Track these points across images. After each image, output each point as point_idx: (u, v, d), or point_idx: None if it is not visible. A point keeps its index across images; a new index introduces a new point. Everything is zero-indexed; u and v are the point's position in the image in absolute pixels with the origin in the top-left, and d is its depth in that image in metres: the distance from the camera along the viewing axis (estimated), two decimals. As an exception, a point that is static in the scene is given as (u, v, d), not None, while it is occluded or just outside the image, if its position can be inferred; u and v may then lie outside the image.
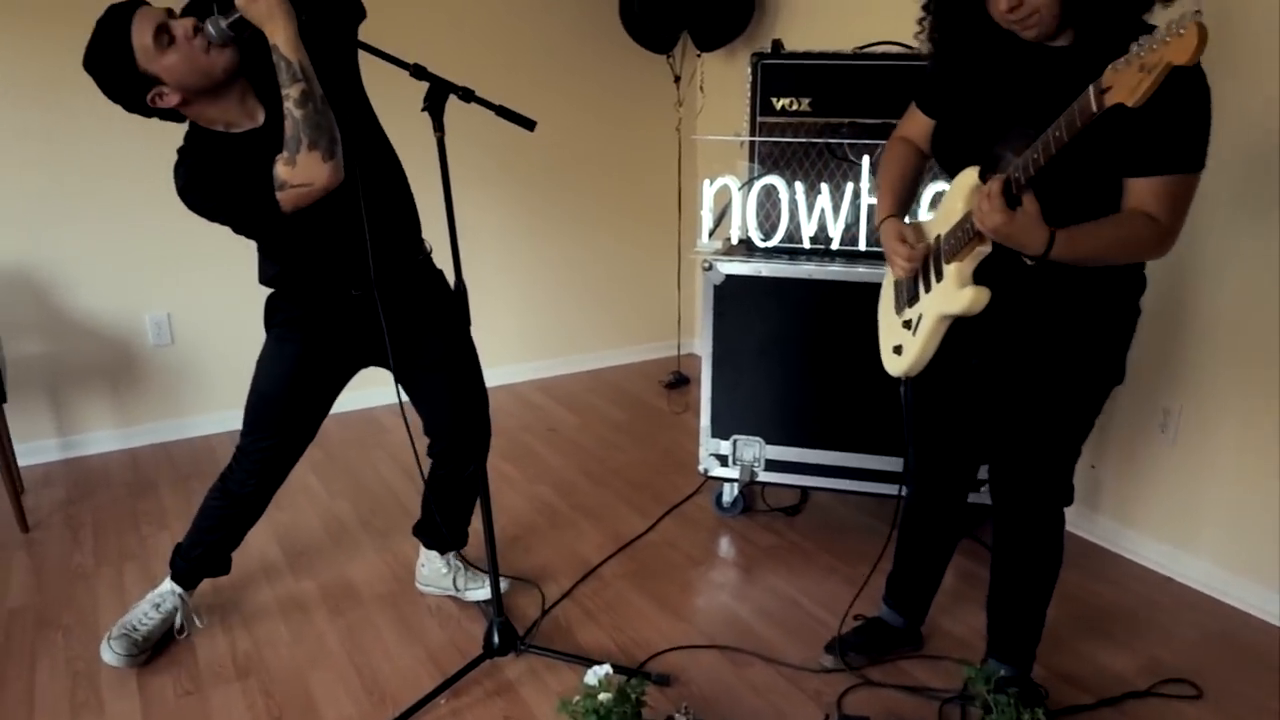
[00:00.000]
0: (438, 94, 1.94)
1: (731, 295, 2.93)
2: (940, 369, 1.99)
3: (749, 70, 2.93)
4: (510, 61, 4.13)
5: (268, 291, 2.25)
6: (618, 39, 4.21)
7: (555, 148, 4.16)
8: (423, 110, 1.94)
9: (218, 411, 3.89)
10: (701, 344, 3.03)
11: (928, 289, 1.91)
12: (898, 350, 2.04)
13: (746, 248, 3.01)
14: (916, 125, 2.04)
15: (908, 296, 2.00)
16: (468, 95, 1.94)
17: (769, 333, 2.93)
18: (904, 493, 2.32)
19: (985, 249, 1.74)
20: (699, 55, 4.21)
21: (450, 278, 2.11)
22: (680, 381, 4.47)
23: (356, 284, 2.17)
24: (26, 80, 3.30)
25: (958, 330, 1.88)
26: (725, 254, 2.97)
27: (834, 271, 2.82)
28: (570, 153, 4.32)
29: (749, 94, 2.94)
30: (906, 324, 1.99)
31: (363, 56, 2.04)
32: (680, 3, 3.83)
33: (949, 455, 2.17)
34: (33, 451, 3.61)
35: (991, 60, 1.78)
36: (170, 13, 1.87)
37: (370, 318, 2.19)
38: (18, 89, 3.31)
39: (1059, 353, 1.82)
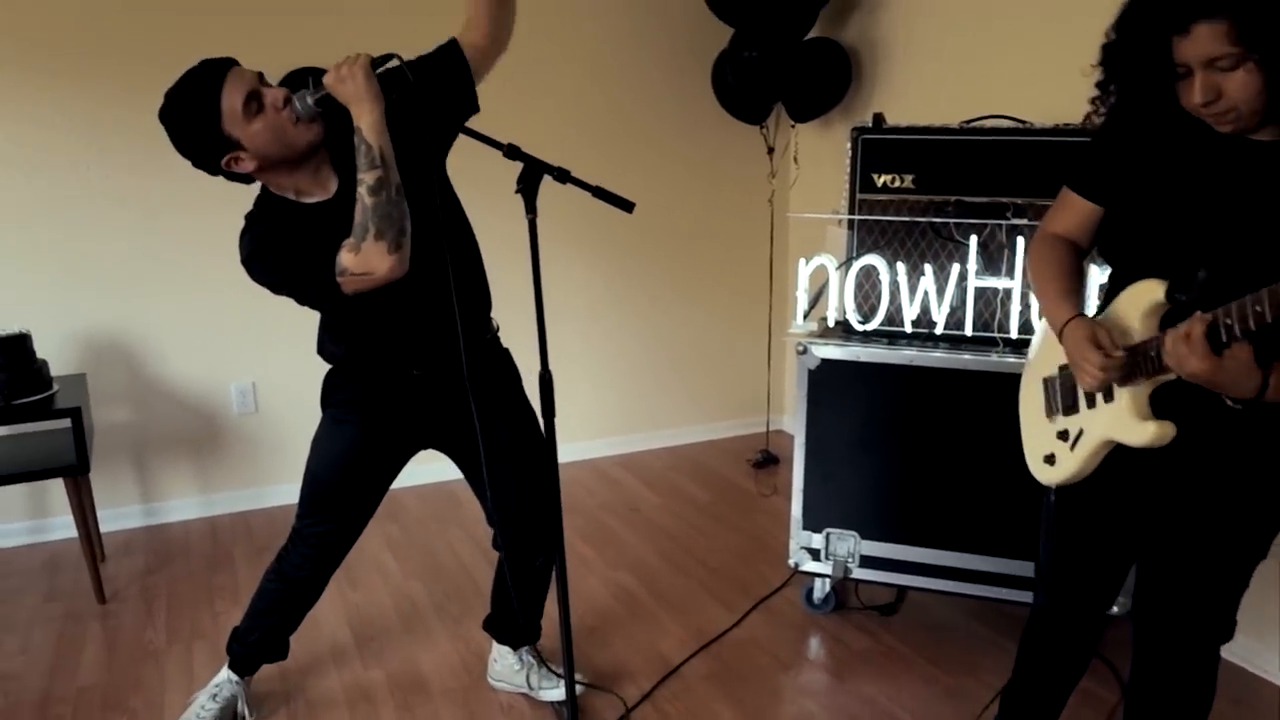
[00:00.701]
0: (532, 175, 1.83)
1: (827, 381, 2.77)
2: (1097, 481, 1.74)
3: (848, 145, 2.81)
4: (597, 131, 4.10)
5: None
6: (709, 109, 4.15)
7: (643, 218, 4.07)
8: (516, 192, 1.84)
9: (297, 481, 3.83)
10: (795, 431, 2.87)
11: (1091, 404, 1.67)
12: (1049, 460, 1.80)
13: (843, 330, 2.85)
14: (1073, 215, 1.75)
15: (1064, 404, 1.76)
16: (564, 176, 1.83)
17: (867, 421, 2.76)
18: (1032, 602, 2.07)
19: (1169, 378, 1.49)
20: (793, 126, 4.10)
21: (524, 355, 2.00)
22: (768, 461, 4.30)
23: (419, 363, 2.09)
24: (124, 149, 3.38)
25: (1127, 449, 1.62)
26: (820, 336, 2.83)
27: (938, 358, 2.65)
28: (658, 224, 4.24)
29: (848, 169, 2.82)
30: (1062, 434, 1.76)
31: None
32: (776, 74, 3.73)
33: (1093, 569, 1.86)
34: (117, 518, 3.61)
35: (1178, 145, 1.54)
36: (262, 78, 1.83)
37: (431, 399, 2.11)
38: (116, 157, 3.38)
39: (1249, 484, 1.58)
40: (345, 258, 1.77)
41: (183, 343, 3.59)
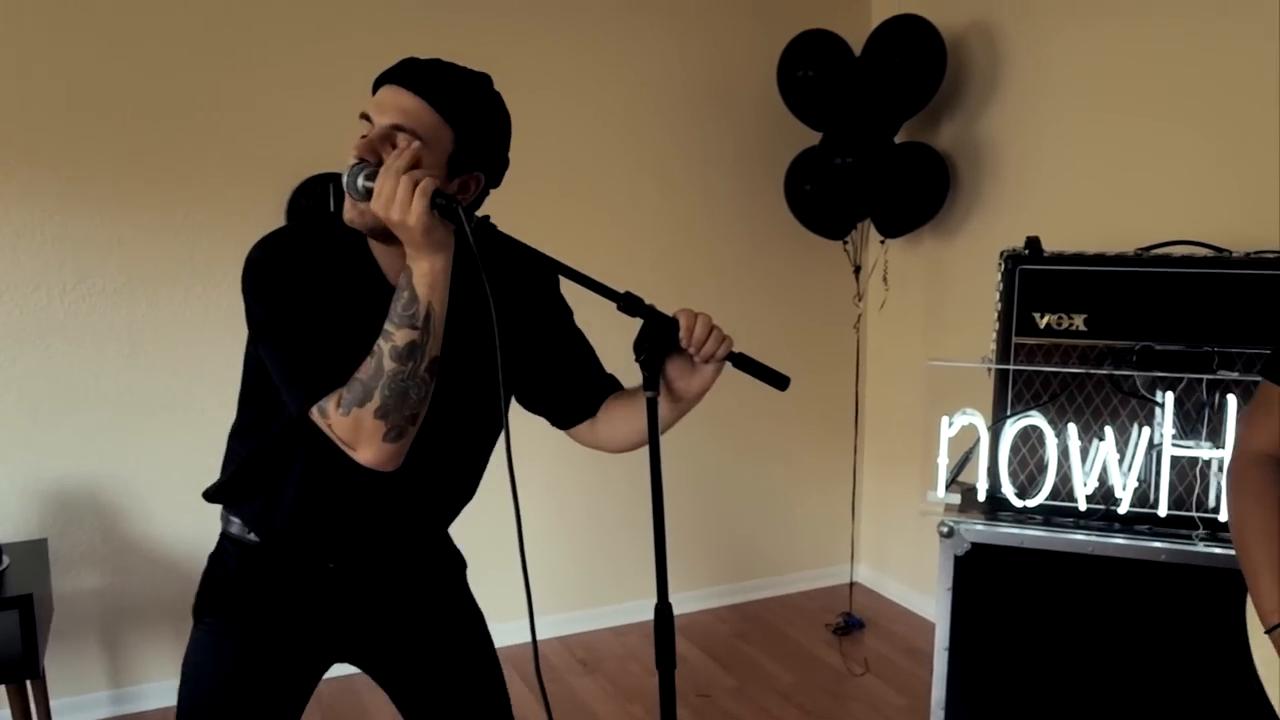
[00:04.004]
0: (658, 338, 1.37)
1: (978, 569, 2.20)
2: None
3: (999, 276, 2.28)
4: (661, 247, 3.59)
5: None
6: (784, 223, 3.65)
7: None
8: (638, 361, 1.37)
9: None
10: (937, 628, 2.28)
11: None
12: None
13: (991, 505, 2.28)
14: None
15: None
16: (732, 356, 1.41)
17: (1029, 622, 2.19)
18: None
19: None
20: (883, 241, 3.59)
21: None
22: (853, 626, 3.66)
23: (343, 553, 1.54)
24: (110, 270, 2.86)
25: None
26: (963, 511, 2.26)
27: (1120, 545, 2.10)
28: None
29: (999, 306, 2.28)
30: None
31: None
32: (870, 182, 3.24)
33: None
34: (78, 708, 2.97)
35: None
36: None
37: (348, 602, 1.57)
38: (97, 280, 2.85)
39: None
40: (330, 406, 1.30)
41: (167, 497, 3.00)
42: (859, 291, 3.72)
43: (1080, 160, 3.00)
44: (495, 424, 1.57)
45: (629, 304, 1.36)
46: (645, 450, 1.49)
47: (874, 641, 3.58)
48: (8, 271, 2.77)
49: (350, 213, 1.32)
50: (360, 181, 1.27)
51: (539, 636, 2.05)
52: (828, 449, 3.92)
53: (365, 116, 1.32)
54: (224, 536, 1.58)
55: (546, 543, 3.50)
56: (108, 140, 2.83)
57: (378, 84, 1.35)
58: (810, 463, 3.98)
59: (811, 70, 3.30)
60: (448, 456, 1.53)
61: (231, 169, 2.98)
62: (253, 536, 1.53)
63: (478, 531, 3.20)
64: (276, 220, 3.03)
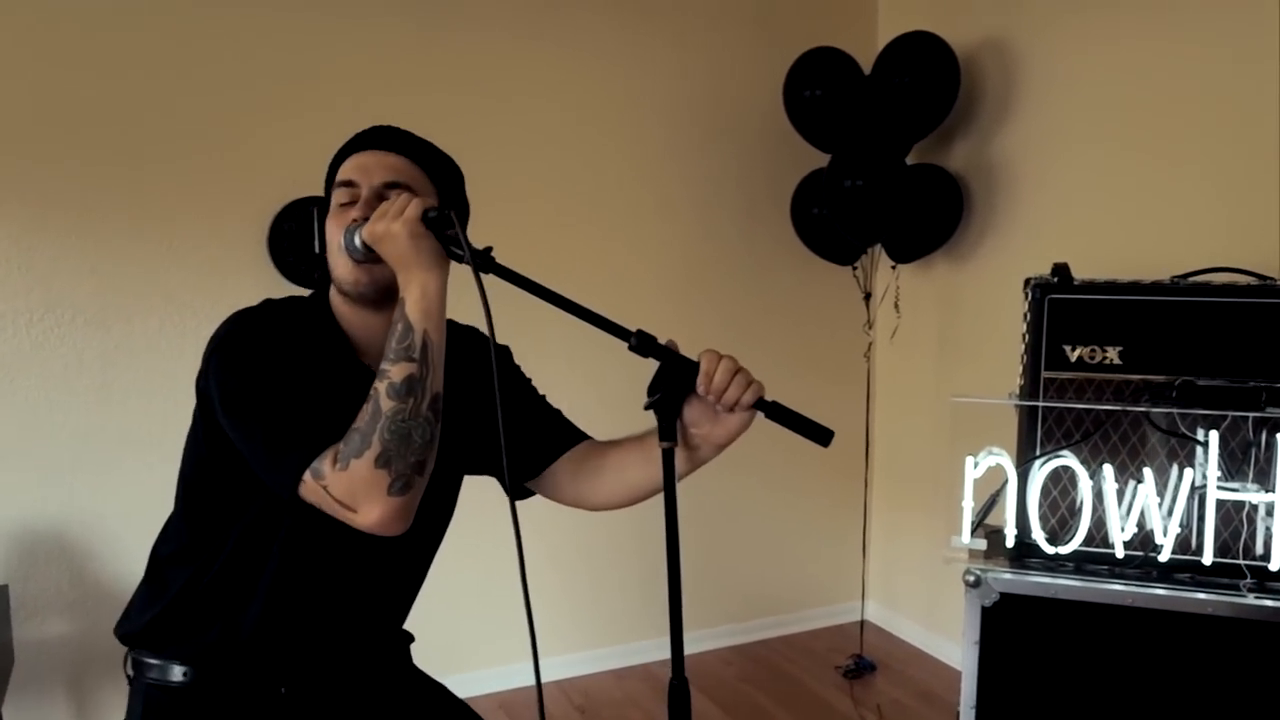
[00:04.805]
0: (674, 383, 1.26)
1: (1007, 621, 2.04)
2: None
3: (1026, 306, 2.13)
4: (664, 274, 3.45)
5: None
6: (790, 248, 3.51)
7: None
8: (647, 408, 1.26)
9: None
10: (963, 685, 2.12)
11: None
12: None
13: (1020, 552, 2.12)
14: None
15: None
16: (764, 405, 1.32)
17: (1061, 678, 2.03)
18: None
19: None
20: (894, 267, 3.44)
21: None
22: (864, 668, 3.49)
23: (299, 673, 1.41)
24: (81, 298, 2.70)
25: None
26: (988, 557, 2.11)
27: (1162, 596, 1.94)
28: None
29: (1027, 337, 2.13)
30: None
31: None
32: (881, 205, 3.10)
33: None
34: (42, 764, 2.79)
35: None
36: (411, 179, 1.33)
37: None
38: (66, 309, 2.70)
39: None
40: (326, 467, 1.17)
41: (141, 536, 2.80)
42: (869, 319, 3.56)
43: (1102, 181, 2.86)
44: (451, 506, 1.53)
45: (642, 344, 1.24)
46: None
47: (886, 685, 3.41)
48: (-29, 301, 2.62)
49: (349, 277, 1.28)
50: (358, 240, 1.25)
51: (531, 681, 1.91)
52: (836, 481, 3.76)
53: (347, 184, 1.30)
54: (145, 687, 1.38)
55: (541, 580, 3.32)
56: (79, 163, 2.69)
57: (347, 152, 1.34)
58: (818, 495, 3.82)
59: (819, 89, 3.17)
60: (416, 538, 1.39)
61: (210, 193, 2.84)
62: (182, 676, 1.36)
63: (470, 573, 3.04)
64: (259, 246, 2.88)
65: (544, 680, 3.35)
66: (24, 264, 2.65)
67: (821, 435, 1.28)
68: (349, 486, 1.15)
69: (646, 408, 1.28)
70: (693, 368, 1.26)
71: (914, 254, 3.35)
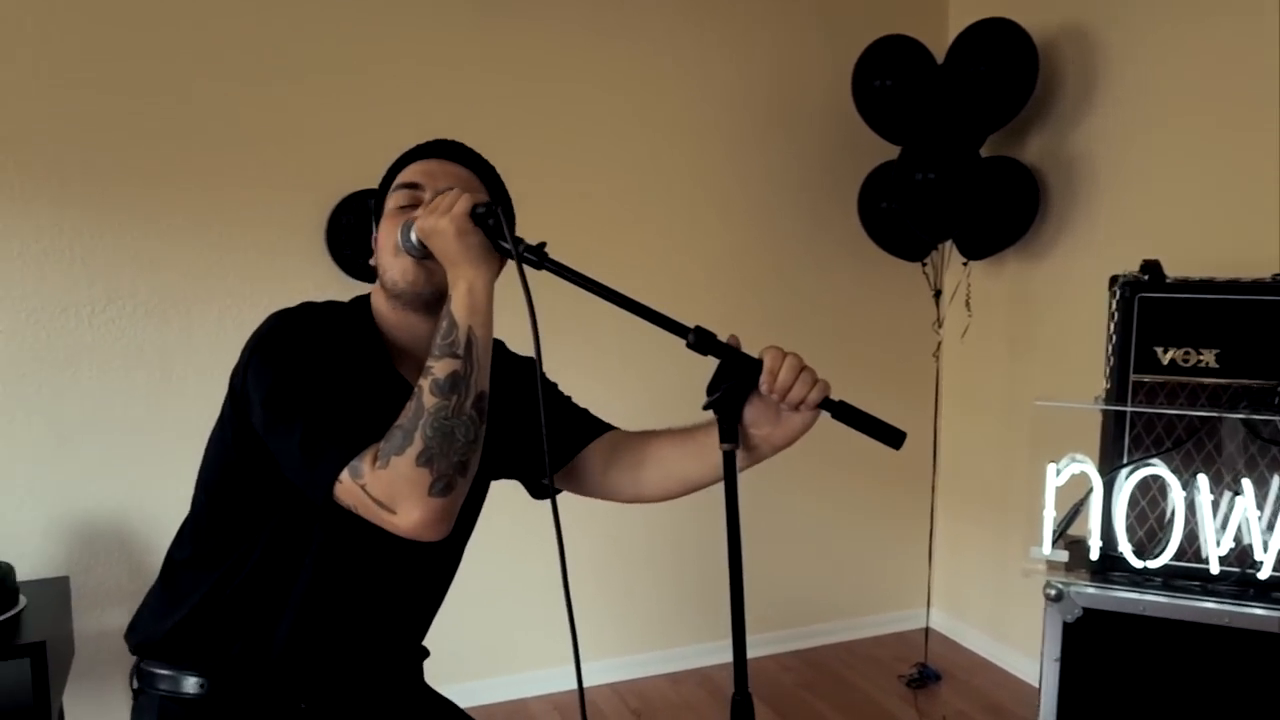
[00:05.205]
0: (735, 382, 1.21)
1: (1091, 638, 1.93)
2: None
3: (1113, 305, 2.01)
4: (720, 269, 3.36)
5: None
6: (857, 243, 3.40)
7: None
8: (706, 407, 1.21)
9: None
10: (1042, 705, 2.02)
11: None
12: None
13: (1105, 565, 2.00)
14: None
15: None
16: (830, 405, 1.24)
17: (1147, 700, 1.93)
18: None
19: None
20: (965, 264, 3.32)
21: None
22: (928, 678, 3.37)
23: (321, 687, 1.37)
24: (140, 291, 2.71)
25: None
26: (1070, 570, 2.00)
27: (1259, 616, 1.82)
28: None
29: (1114, 338, 2.01)
30: None
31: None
32: (954, 199, 2.98)
33: None
34: (102, 753, 2.80)
35: None
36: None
37: None
38: (127, 301, 2.70)
39: None
40: (366, 466, 1.14)
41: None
42: (939, 317, 3.44)
43: (1189, 174, 2.72)
44: (478, 514, 1.49)
45: (700, 340, 1.18)
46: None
47: (951, 696, 3.29)
48: (34, 292, 2.63)
49: (408, 275, 1.27)
50: (414, 235, 1.23)
51: (588, 683, 1.83)
52: (901, 485, 3.64)
53: (410, 185, 1.31)
54: (158, 699, 1.33)
55: (597, 582, 3.28)
56: (139, 155, 2.69)
57: (410, 159, 1.35)
58: (882, 500, 3.70)
59: (890, 79, 3.05)
60: (451, 545, 1.36)
61: (269, 185, 2.82)
62: (197, 689, 1.32)
63: (521, 574, 3.00)
64: (317, 239, 2.86)
65: (599, 683, 3.32)
66: (85, 257, 2.66)
67: (893, 437, 1.20)
68: (389, 486, 1.12)
69: (706, 407, 1.23)
70: (755, 365, 1.20)
71: (986, 250, 3.22)
